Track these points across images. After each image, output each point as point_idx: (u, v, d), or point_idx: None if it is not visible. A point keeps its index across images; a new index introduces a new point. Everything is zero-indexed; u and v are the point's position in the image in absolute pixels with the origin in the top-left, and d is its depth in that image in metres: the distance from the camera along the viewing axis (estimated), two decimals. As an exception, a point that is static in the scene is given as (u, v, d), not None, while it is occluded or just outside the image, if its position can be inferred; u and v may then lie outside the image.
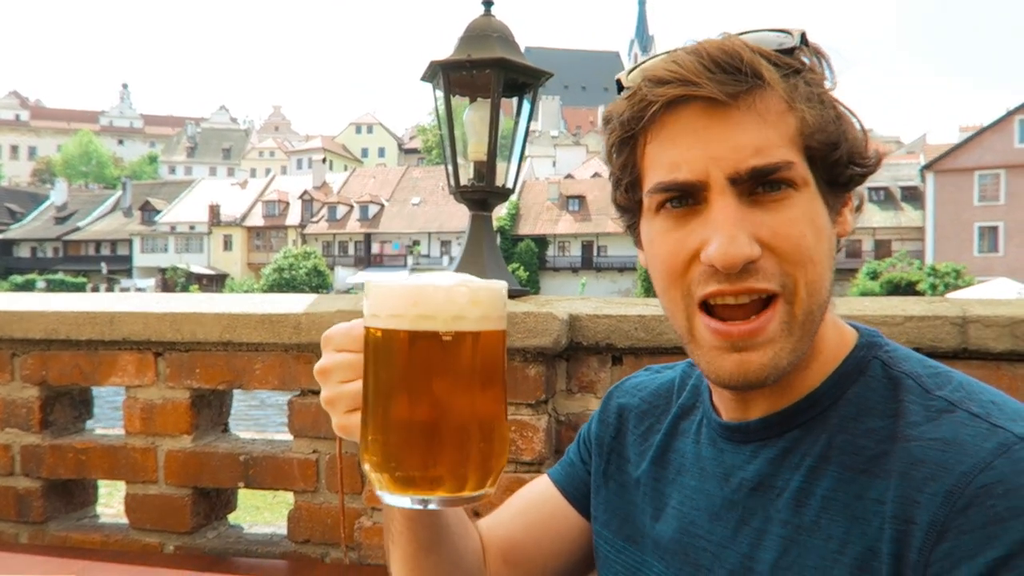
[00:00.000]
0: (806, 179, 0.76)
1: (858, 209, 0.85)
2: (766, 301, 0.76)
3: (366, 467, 0.72)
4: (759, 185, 0.75)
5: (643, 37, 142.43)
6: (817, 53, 0.79)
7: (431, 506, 0.70)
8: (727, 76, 0.74)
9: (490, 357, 0.70)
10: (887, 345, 0.83)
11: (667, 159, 0.77)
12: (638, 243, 0.89)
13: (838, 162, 0.78)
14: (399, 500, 0.70)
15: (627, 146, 0.82)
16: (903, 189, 48.27)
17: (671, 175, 0.77)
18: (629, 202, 0.86)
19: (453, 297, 0.67)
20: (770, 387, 0.81)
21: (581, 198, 55.32)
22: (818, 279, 0.76)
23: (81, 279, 59.38)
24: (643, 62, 0.81)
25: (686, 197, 0.77)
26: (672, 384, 1.03)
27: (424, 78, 2.18)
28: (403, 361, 0.67)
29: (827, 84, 0.79)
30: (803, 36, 0.78)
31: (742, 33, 0.78)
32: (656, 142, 0.78)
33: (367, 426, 0.72)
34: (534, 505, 1.06)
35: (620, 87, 0.84)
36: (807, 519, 0.76)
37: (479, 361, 0.69)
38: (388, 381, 0.70)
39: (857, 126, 0.80)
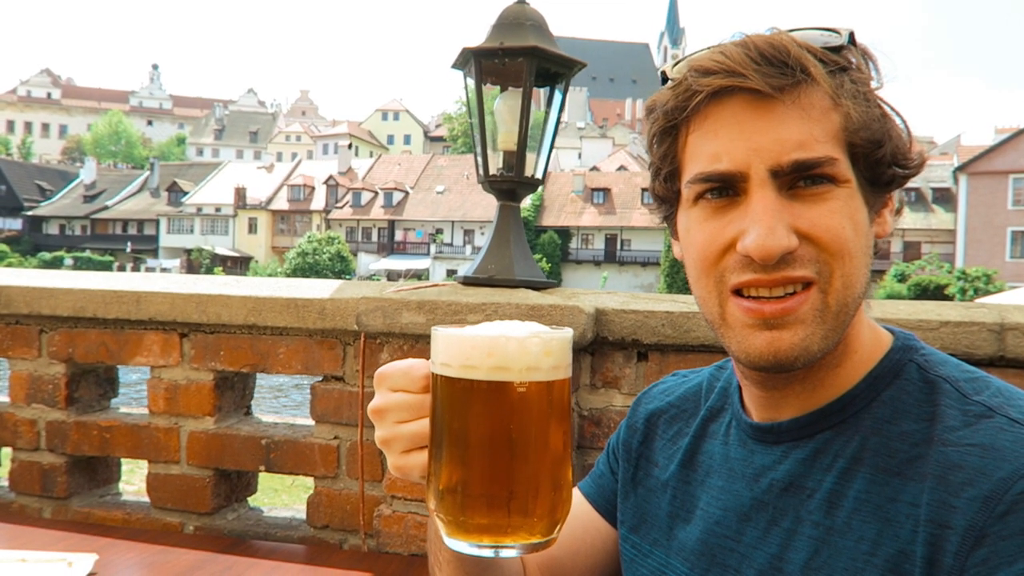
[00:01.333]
0: (847, 176, 0.76)
1: (898, 212, 0.85)
2: (801, 287, 0.76)
3: (432, 506, 0.72)
4: (800, 179, 0.75)
5: (674, 29, 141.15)
6: (864, 53, 0.79)
7: (500, 555, 0.70)
8: (773, 69, 0.73)
9: (560, 405, 0.71)
10: (923, 349, 0.83)
11: (709, 150, 0.77)
12: (674, 234, 0.89)
13: (880, 161, 0.77)
14: (468, 548, 0.70)
15: (669, 136, 0.82)
16: (935, 190, 47.49)
17: (712, 166, 0.77)
18: (668, 192, 0.86)
19: (527, 348, 0.68)
20: (802, 385, 0.81)
21: (606, 191, 55.09)
22: (854, 272, 0.76)
23: (108, 258, 60.33)
24: (690, 55, 0.81)
25: (725, 189, 0.77)
26: (700, 387, 1.02)
27: (455, 65, 2.16)
28: (477, 411, 0.68)
29: (873, 84, 0.79)
30: (851, 35, 0.78)
31: (791, 30, 0.78)
32: (698, 132, 0.78)
33: (438, 475, 0.72)
34: (568, 520, 1.07)
35: (665, 79, 0.84)
36: (839, 520, 0.76)
37: (551, 410, 0.70)
38: (461, 431, 0.70)
39: (902, 127, 0.79)
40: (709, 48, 0.78)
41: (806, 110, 0.74)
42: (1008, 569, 0.63)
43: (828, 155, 0.74)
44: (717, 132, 0.76)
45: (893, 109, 0.79)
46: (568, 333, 0.71)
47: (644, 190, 53.75)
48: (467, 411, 0.68)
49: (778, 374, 0.80)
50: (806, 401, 0.82)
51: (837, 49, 0.77)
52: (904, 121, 0.79)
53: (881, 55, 0.79)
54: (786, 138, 0.74)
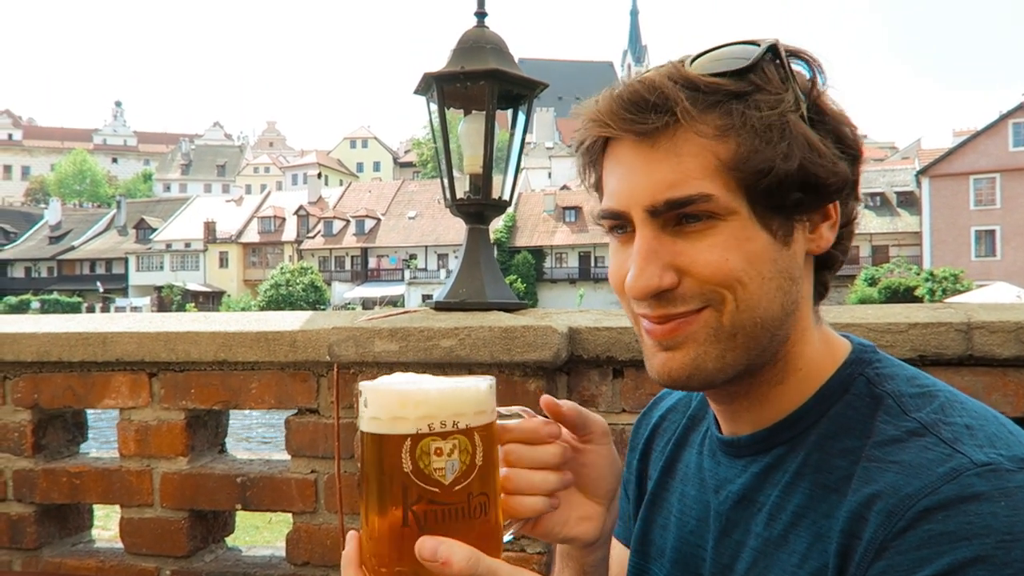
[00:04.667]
0: (731, 207, 0.75)
1: (845, 226, 0.82)
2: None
3: None
4: (681, 217, 0.76)
5: (636, 47, 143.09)
6: (785, 68, 0.77)
7: None
8: (641, 116, 0.76)
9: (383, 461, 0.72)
10: (877, 361, 0.82)
11: (609, 187, 0.82)
12: None
13: (777, 188, 0.75)
14: None
15: (591, 170, 0.87)
16: (899, 194, 48.29)
17: (607, 203, 0.82)
18: None
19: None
20: (748, 400, 0.83)
21: (577, 209, 55.35)
22: (751, 297, 0.76)
23: (76, 299, 59.27)
24: (594, 98, 0.83)
25: (624, 225, 0.81)
26: (689, 396, 1.05)
27: (418, 91, 2.16)
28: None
29: (788, 99, 0.75)
30: (772, 47, 0.77)
31: (701, 53, 0.79)
32: (607, 169, 0.83)
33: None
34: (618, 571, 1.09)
35: None
36: (776, 532, 0.78)
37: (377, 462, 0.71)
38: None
39: (821, 148, 0.76)
40: (595, 96, 0.81)
41: (680, 148, 0.75)
42: None
43: (701, 192, 0.74)
44: (612, 171, 0.81)
45: (807, 131, 0.75)
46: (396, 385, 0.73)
47: (615, 206, 53.90)
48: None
49: (705, 391, 0.85)
50: (758, 417, 0.83)
51: (742, 72, 0.75)
52: (824, 144, 0.76)
53: (816, 65, 0.79)
54: (659, 179, 0.76)
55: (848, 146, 0.79)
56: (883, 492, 0.69)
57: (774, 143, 0.74)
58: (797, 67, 0.79)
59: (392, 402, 0.69)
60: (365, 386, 0.70)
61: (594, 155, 0.84)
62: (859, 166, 0.81)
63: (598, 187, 0.87)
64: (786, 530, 0.77)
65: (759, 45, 0.77)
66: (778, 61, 0.77)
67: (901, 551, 0.65)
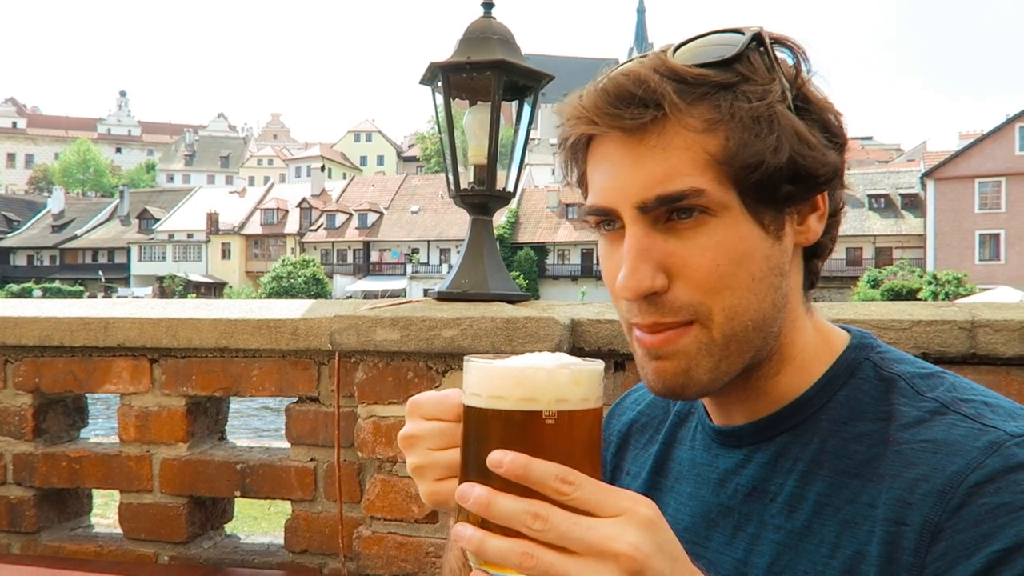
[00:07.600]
0: (723, 203, 0.73)
1: (833, 216, 0.81)
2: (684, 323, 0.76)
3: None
4: (672, 212, 0.74)
5: (642, 44, 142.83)
6: (770, 56, 0.75)
7: None
8: (629, 110, 0.73)
9: (588, 437, 0.70)
10: (880, 347, 0.83)
11: (595, 184, 0.80)
12: None
13: (767, 182, 0.73)
14: None
15: (573, 166, 0.85)
16: (903, 196, 48.22)
17: (594, 200, 0.79)
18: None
19: (556, 378, 0.67)
20: (744, 393, 0.82)
21: (580, 206, 55.24)
22: (738, 303, 0.75)
23: (78, 288, 59.41)
24: (569, 96, 0.81)
25: (612, 221, 0.79)
26: None
27: (423, 81, 2.15)
28: (506, 442, 0.67)
29: (776, 89, 0.73)
30: (755, 36, 0.74)
31: (684, 43, 0.76)
32: (591, 165, 0.81)
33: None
34: None
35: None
36: (799, 524, 0.76)
37: (579, 441, 0.69)
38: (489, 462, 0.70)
39: (810, 138, 0.74)
40: (578, 90, 0.79)
41: (668, 142, 0.73)
42: (967, 562, 0.64)
43: (692, 187, 0.72)
44: (598, 167, 0.79)
45: (795, 121, 0.73)
46: (598, 365, 0.70)
47: (618, 204, 54.09)
48: (495, 442, 0.67)
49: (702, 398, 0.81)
50: (753, 408, 0.83)
51: (728, 62, 0.73)
52: (814, 134, 0.75)
53: (800, 52, 0.77)
54: (649, 174, 0.73)
55: (834, 134, 0.77)
56: (927, 474, 0.68)
57: (763, 136, 0.72)
58: (781, 55, 0.77)
59: (597, 381, 0.69)
60: (580, 370, 0.68)
61: (578, 151, 0.81)
62: (845, 154, 0.79)
63: (582, 183, 0.84)
64: (810, 520, 0.76)
65: (743, 33, 0.74)
66: (763, 49, 0.75)
67: (960, 529, 0.65)
